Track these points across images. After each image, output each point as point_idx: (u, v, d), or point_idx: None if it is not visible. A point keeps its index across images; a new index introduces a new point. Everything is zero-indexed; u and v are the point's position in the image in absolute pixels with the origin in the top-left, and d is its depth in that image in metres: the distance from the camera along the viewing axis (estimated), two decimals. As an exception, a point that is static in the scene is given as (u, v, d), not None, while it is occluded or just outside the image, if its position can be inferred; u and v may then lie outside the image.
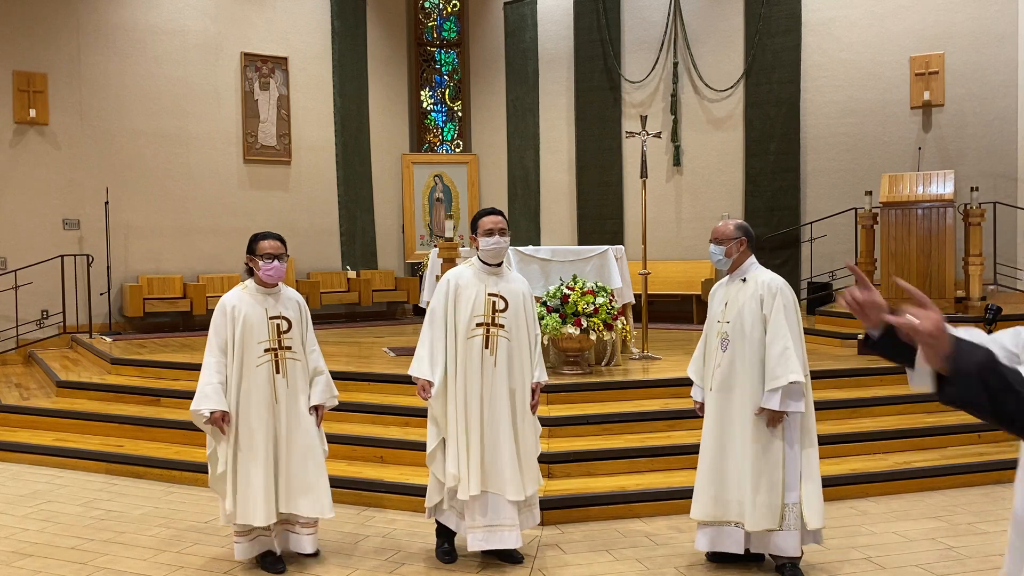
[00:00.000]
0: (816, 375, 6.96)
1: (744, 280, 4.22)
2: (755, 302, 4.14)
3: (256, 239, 4.45)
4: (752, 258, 4.30)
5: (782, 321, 4.08)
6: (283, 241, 4.50)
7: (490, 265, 4.45)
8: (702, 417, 4.38)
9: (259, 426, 4.35)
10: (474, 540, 4.29)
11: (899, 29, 10.77)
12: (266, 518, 4.30)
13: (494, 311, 4.37)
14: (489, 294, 4.38)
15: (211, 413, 4.27)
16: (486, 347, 4.33)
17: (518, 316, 4.42)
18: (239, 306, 4.41)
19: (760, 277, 4.20)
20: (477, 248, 4.49)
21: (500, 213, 4.53)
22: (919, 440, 6.11)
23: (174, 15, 11.50)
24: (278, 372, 4.40)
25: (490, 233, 4.39)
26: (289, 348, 4.44)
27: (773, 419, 4.06)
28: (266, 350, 4.38)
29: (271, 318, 4.42)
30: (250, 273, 4.52)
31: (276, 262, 4.40)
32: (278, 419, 4.40)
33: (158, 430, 6.71)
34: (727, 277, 4.35)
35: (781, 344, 4.05)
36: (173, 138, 11.49)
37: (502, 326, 4.36)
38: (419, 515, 5.23)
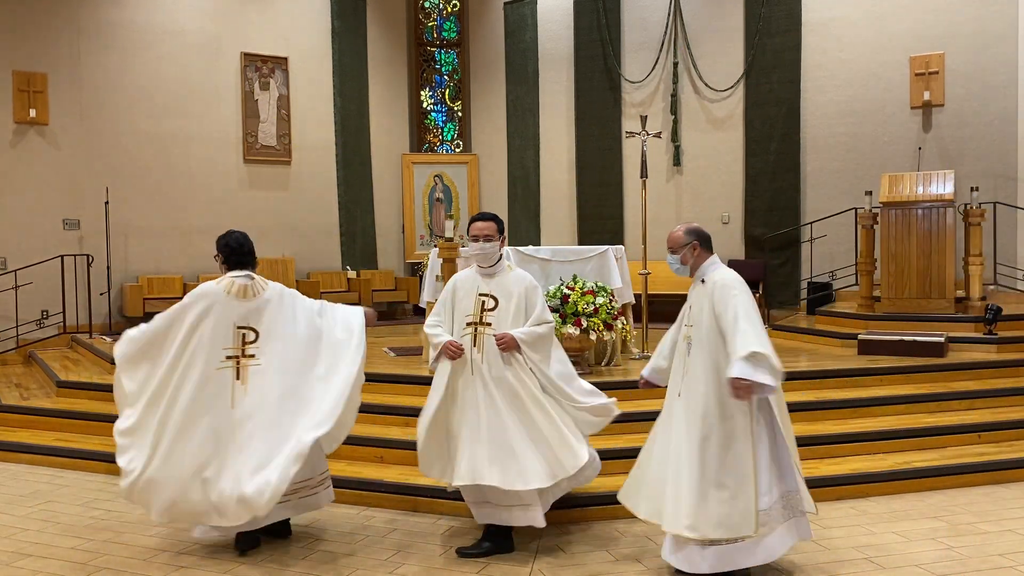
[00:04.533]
0: (816, 375, 6.98)
1: (703, 281, 4.20)
2: (708, 301, 4.10)
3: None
4: (710, 258, 4.24)
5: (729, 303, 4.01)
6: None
7: (483, 268, 4.71)
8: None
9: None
10: None
11: (899, 29, 10.77)
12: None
13: (483, 310, 4.59)
14: (480, 294, 4.63)
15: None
16: (473, 345, 4.54)
17: (507, 313, 4.58)
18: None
19: (714, 276, 4.15)
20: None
21: (492, 218, 4.72)
22: (919, 440, 6.10)
23: (174, 15, 11.50)
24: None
25: (474, 239, 4.66)
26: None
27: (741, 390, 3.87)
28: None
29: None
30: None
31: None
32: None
33: (158, 430, 6.69)
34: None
35: (739, 325, 3.93)
36: (173, 138, 11.49)
37: (489, 324, 4.55)
38: (420, 515, 5.24)
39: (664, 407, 4.36)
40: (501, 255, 4.73)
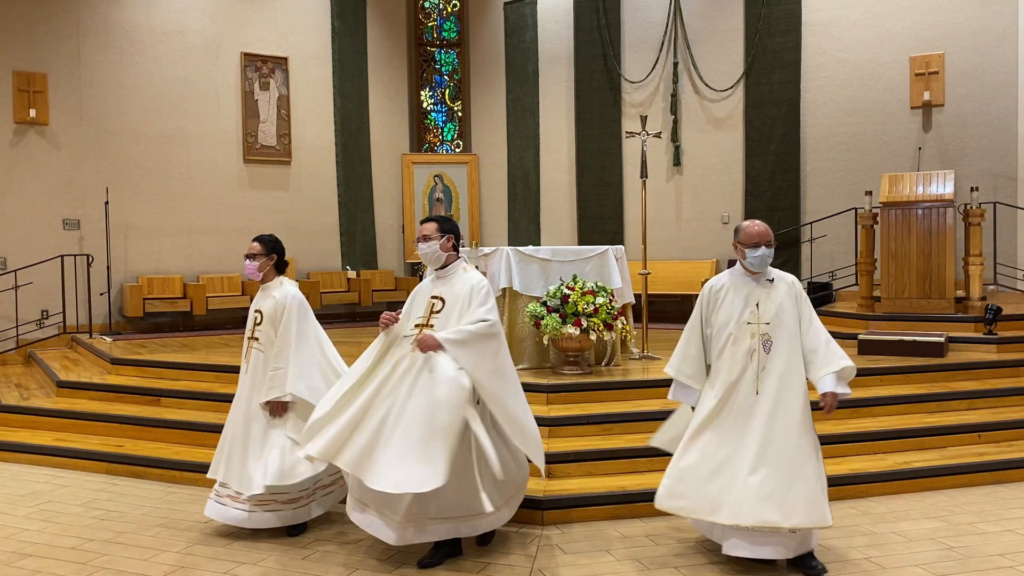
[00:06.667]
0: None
1: (771, 280, 4.32)
2: (791, 300, 4.29)
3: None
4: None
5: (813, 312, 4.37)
6: None
7: (436, 269, 4.63)
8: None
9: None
10: None
11: (899, 29, 10.78)
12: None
13: (431, 312, 4.48)
14: (431, 296, 4.54)
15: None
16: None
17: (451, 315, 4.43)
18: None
19: (785, 277, 4.38)
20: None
21: (436, 220, 4.61)
22: (919, 440, 6.10)
23: (174, 15, 11.50)
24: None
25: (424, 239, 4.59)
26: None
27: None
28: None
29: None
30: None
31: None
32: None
33: (158, 430, 6.70)
34: (746, 277, 4.36)
35: (825, 335, 4.28)
36: (173, 138, 11.49)
37: (432, 326, 4.41)
38: (419, 515, 5.23)
39: (723, 406, 4.23)
40: (455, 257, 4.61)
